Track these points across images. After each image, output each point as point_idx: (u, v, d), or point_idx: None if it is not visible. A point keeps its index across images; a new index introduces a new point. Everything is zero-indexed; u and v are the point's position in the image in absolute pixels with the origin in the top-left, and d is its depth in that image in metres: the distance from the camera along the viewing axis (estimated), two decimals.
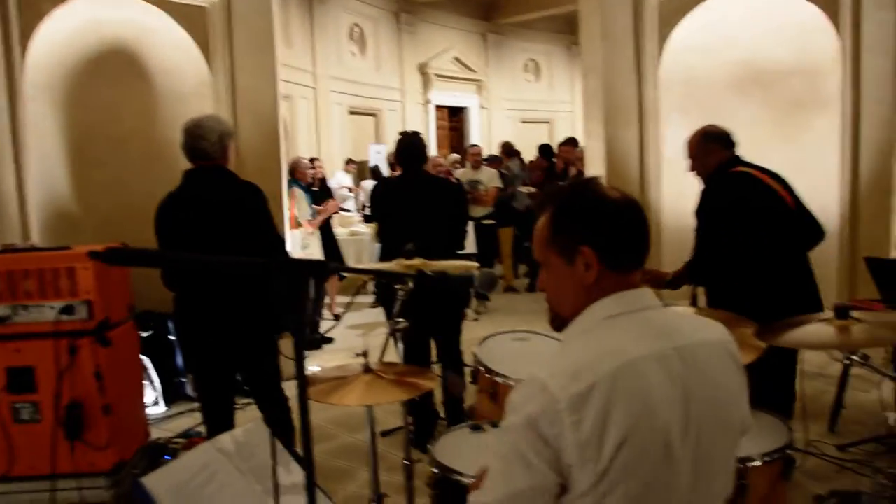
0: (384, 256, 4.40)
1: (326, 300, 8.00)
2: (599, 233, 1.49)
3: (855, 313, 2.69)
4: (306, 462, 1.48)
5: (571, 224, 1.52)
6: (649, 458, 1.38)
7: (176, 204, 3.42)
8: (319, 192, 7.84)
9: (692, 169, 3.83)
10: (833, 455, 4.10)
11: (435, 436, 2.85)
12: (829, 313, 2.75)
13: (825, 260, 5.60)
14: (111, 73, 5.62)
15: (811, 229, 3.69)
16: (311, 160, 8.17)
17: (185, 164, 3.52)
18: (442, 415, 4.69)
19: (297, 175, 7.09)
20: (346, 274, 7.37)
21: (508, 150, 10.26)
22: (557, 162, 9.28)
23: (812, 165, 5.78)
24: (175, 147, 3.56)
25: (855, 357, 2.80)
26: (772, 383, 3.66)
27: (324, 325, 7.38)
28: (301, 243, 6.90)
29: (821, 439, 4.30)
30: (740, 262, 3.51)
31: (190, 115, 3.61)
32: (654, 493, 1.40)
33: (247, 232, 3.38)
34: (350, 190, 11.90)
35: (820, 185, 5.76)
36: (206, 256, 1.65)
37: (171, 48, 5.69)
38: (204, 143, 3.41)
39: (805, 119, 6.29)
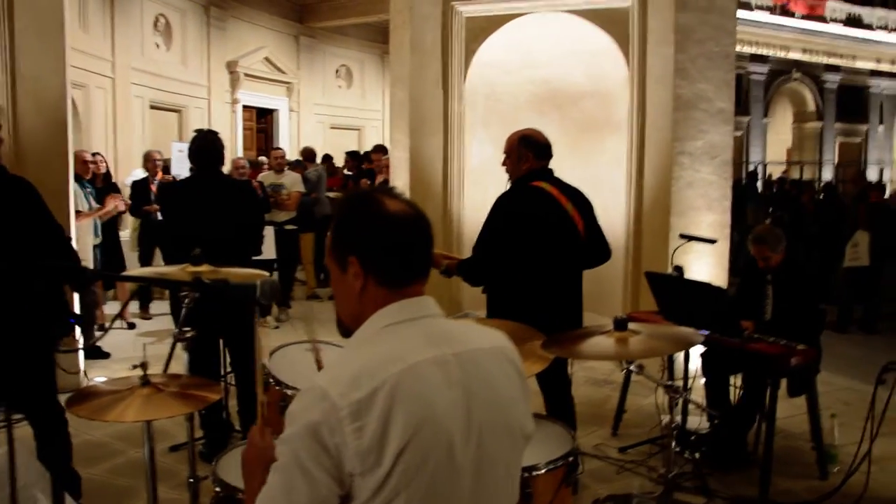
0: (172, 261, 4.17)
1: (110, 308, 7.50)
2: (366, 245, 1.50)
3: (632, 325, 2.87)
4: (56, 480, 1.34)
5: (344, 234, 1.53)
6: (431, 463, 1.37)
7: None
8: (104, 189, 7.29)
9: (504, 164, 3.90)
10: (615, 457, 4.37)
11: (225, 450, 2.72)
12: (609, 325, 2.91)
13: (612, 273, 5.98)
14: None
15: (597, 250, 3.89)
16: (93, 154, 7.58)
17: None
18: (237, 427, 4.52)
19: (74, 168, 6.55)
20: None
21: (308, 155, 10.11)
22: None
23: (603, 184, 6.16)
24: None
25: (631, 367, 2.99)
26: (551, 393, 3.85)
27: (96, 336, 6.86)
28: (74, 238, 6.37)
29: (604, 442, 4.58)
30: (514, 272, 3.65)
31: None
32: (437, 499, 1.40)
33: (18, 232, 3.04)
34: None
35: (610, 203, 6.14)
36: None
37: None
38: None
39: (597, 140, 6.70)
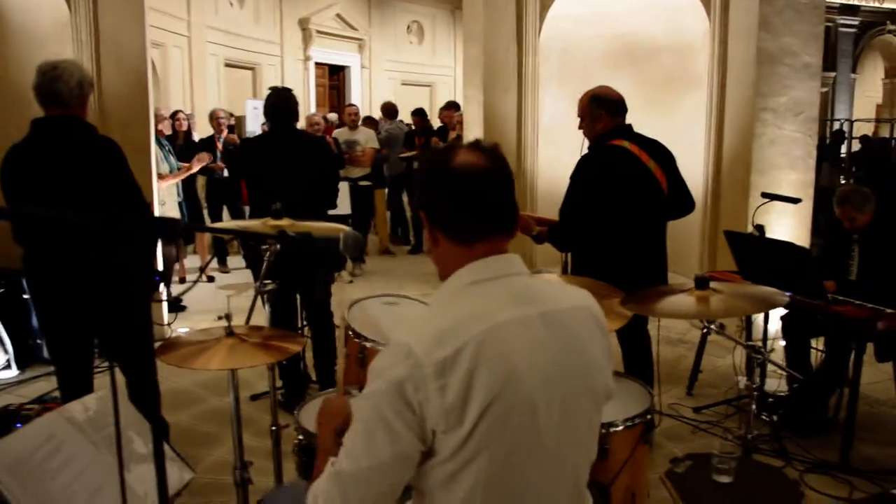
0: (252, 215, 4.26)
1: (193, 262, 7.71)
2: (431, 200, 1.50)
3: (713, 284, 2.81)
4: (155, 428, 1.39)
5: (418, 190, 1.55)
6: (514, 423, 1.38)
7: (23, 156, 3.14)
8: (185, 147, 7.45)
9: (580, 128, 3.83)
10: (689, 417, 4.33)
11: (305, 399, 2.79)
12: (689, 283, 2.85)
13: (689, 231, 5.87)
14: None
15: (681, 202, 3.82)
16: (174, 113, 7.72)
17: (41, 110, 3.24)
18: (314, 378, 4.64)
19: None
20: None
21: (389, 110, 10.11)
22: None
23: (680, 141, 5.96)
24: (30, 92, 3.27)
25: (712, 326, 2.94)
26: (630, 349, 3.83)
27: (183, 289, 7.11)
28: (158, 199, 6.56)
29: (679, 402, 4.54)
30: (599, 233, 3.60)
31: (46, 58, 3.30)
32: (518, 458, 1.40)
33: (103, 188, 3.15)
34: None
35: (687, 161, 5.93)
36: (42, 210, 1.48)
37: None
38: (60, 85, 3.13)
39: (675, 96, 6.52)
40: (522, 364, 1.39)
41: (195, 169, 7.00)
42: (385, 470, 1.36)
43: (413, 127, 9.77)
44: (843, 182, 11.93)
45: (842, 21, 22.94)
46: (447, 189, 1.48)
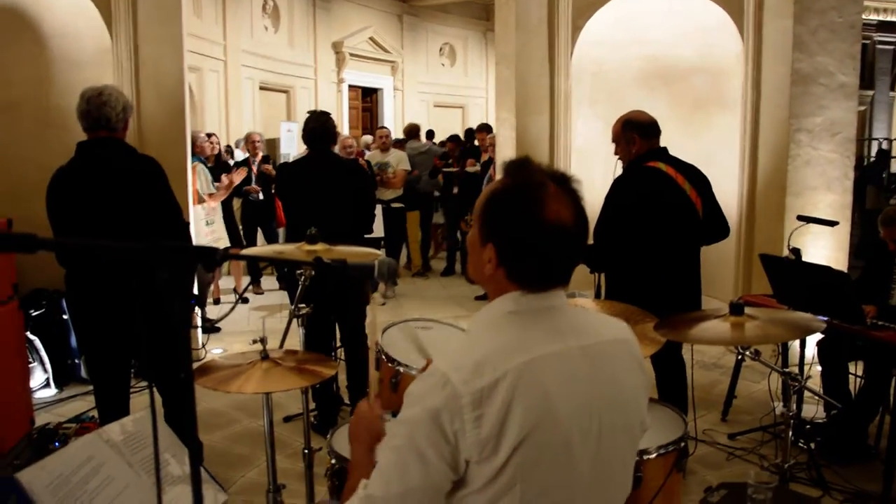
0: (289, 239, 4.31)
1: (227, 283, 7.81)
2: (508, 242, 1.44)
3: (748, 310, 2.78)
4: (192, 453, 1.42)
5: (492, 217, 1.47)
6: (548, 456, 1.37)
7: (70, 178, 3.23)
8: (215, 169, 7.59)
9: (616, 153, 3.86)
10: (724, 443, 4.27)
11: (338, 422, 2.81)
12: (724, 308, 2.83)
13: (724, 255, 5.81)
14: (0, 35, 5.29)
15: (716, 227, 3.81)
16: (208, 135, 7.87)
17: (81, 134, 3.32)
18: (346, 400, 4.65)
19: (195, 149, 6.83)
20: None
21: (410, 131, 10.20)
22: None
23: (713, 162, 5.93)
24: (71, 117, 3.36)
25: (748, 353, 2.90)
26: (664, 374, 3.80)
27: (218, 310, 7.24)
28: (206, 219, 6.69)
29: (714, 427, 4.47)
30: (633, 256, 3.59)
31: (88, 84, 3.40)
32: (552, 491, 1.39)
33: (146, 209, 3.21)
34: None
35: (720, 182, 5.88)
36: (85, 241, 1.51)
37: (67, 11, 5.39)
38: (107, 110, 3.22)
39: (708, 117, 6.48)
40: (559, 399, 1.38)
41: (237, 181, 7.25)
42: (415, 497, 1.35)
43: (448, 150, 9.87)
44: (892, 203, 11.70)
45: (879, 38, 22.63)
46: (532, 243, 1.42)
